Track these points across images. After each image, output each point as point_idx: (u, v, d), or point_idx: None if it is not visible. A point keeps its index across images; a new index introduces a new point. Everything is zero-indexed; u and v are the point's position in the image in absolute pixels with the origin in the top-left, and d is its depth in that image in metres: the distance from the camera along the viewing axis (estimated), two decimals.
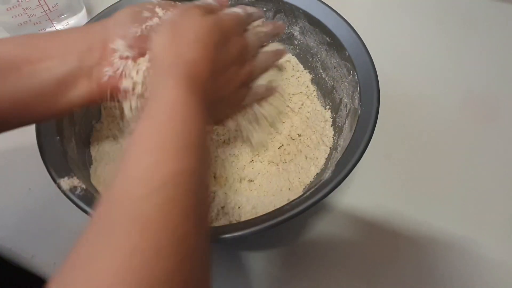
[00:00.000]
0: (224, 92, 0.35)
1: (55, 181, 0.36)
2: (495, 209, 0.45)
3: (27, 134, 0.52)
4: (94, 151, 0.44)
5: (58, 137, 0.39)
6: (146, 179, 0.24)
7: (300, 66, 0.51)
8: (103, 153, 0.45)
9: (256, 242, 0.44)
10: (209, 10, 0.34)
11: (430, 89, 0.54)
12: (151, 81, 0.32)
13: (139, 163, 0.25)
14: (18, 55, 0.31)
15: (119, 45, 0.33)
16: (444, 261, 0.42)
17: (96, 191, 0.38)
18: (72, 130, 0.42)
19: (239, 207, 0.42)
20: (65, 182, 0.36)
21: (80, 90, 0.33)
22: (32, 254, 0.44)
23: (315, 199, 0.33)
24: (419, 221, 0.44)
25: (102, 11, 0.47)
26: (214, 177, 0.45)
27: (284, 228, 0.44)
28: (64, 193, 0.35)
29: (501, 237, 0.43)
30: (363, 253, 0.43)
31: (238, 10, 0.37)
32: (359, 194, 0.46)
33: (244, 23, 0.38)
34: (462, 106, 0.53)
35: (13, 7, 0.51)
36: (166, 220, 0.22)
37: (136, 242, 0.21)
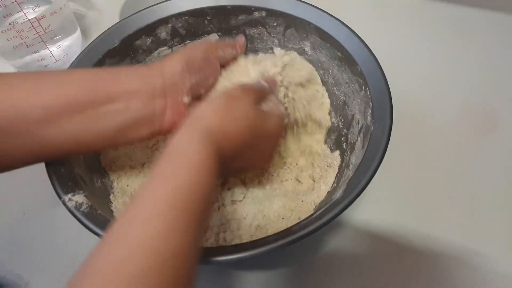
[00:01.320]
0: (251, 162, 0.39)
1: (60, 198, 0.35)
2: (499, 221, 0.45)
3: None
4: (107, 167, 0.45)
5: None
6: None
7: None
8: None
9: (268, 261, 0.43)
10: (261, 97, 0.38)
11: (427, 101, 0.54)
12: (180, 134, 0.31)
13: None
14: (81, 99, 0.33)
15: (186, 100, 0.37)
16: (456, 276, 0.42)
17: (105, 207, 0.38)
18: None
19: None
20: (70, 199, 0.35)
21: (140, 133, 0.36)
22: (26, 281, 0.43)
23: (326, 219, 0.32)
24: (432, 236, 0.44)
25: (100, 35, 0.46)
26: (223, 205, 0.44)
27: (296, 245, 0.43)
28: (69, 210, 0.34)
29: (506, 250, 0.43)
30: (377, 269, 0.42)
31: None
32: (371, 210, 0.46)
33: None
34: (463, 119, 0.53)
35: (7, 29, 0.50)
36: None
37: None
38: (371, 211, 0.46)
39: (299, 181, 0.45)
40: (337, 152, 0.45)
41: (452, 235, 0.44)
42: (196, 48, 0.40)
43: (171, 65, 0.37)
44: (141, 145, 0.47)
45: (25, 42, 0.53)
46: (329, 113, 0.48)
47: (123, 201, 0.43)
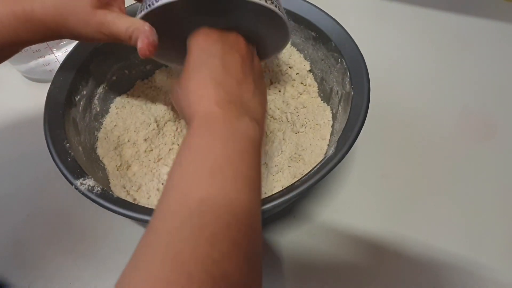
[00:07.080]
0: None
1: (71, 183, 0.37)
2: (495, 229, 0.45)
3: (27, 161, 0.52)
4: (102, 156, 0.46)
5: (67, 144, 0.40)
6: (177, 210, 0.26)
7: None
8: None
9: None
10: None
11: (426, 107, 0.54)
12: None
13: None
14: None
15: None
16: (446, 283, 0.42)
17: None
18: (78, 139, 0.43)
19: None
20: (82, 183, 0.37)
21: None
22: (28, 284, 0.43)
23: (323, 172, 0.36)
24: (419, 242, 0.44)
25: None
26: None
27: (278, 248, 0.45)
28: (83, 193, 0.36)
29: (502, 258, 0.43)
30: (364, 274, 0.43)
31: None
32: (357, 215, 0.46)
33: None
34: (458, 124, 0.53)
35: None
36: (194, 251, 0.24)
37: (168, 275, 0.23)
38: (359, 216, 0.46)
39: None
40: None
41: (446, 243, 0.44)
42: None
43: None
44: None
45: (30, 47, 0.53)
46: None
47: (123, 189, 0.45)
